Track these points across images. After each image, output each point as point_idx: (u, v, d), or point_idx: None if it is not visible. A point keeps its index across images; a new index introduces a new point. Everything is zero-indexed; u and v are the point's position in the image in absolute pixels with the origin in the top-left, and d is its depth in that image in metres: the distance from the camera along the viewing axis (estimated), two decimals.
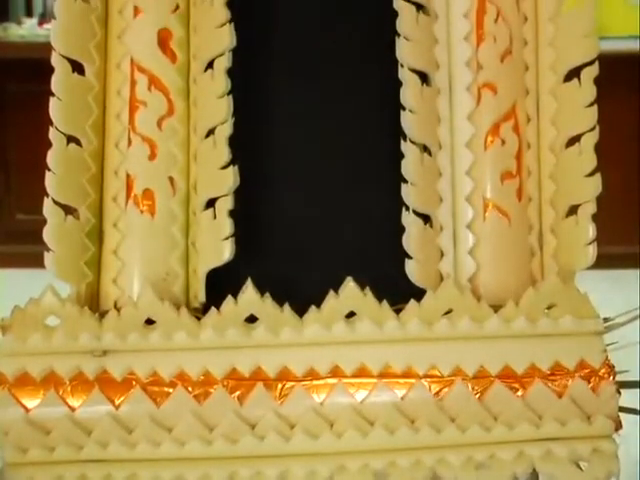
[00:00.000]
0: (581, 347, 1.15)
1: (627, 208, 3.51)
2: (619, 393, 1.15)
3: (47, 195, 1.14)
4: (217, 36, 1.17)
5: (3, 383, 1.10)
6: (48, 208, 1.14)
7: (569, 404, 1.13)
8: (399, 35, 1.19)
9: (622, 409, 1.16)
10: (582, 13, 1.21)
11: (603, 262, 1.27)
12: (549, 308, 1.15)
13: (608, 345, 1.16)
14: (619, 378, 1.16)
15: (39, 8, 4.68)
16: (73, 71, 1.17)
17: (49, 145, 1.15)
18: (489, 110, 1.20)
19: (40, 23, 3.76)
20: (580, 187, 1.18)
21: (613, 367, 1.15)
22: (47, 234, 1.13)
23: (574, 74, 1.20)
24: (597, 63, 1.19)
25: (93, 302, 1.17)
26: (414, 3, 1.20)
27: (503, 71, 1.20)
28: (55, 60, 1.16)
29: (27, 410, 1.10)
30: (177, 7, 1.20)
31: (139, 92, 1.19)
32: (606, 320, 1.18)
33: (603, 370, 1.14)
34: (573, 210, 1.19)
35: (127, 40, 1.20)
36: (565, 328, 1.14)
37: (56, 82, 1.15)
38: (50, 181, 1.14)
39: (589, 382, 1.14)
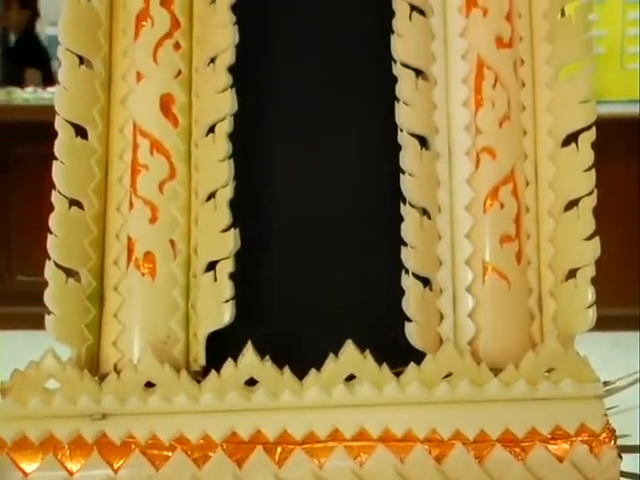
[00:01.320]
0: (582, 411, 1.14)
1: (627, 270, 3.51)
2: (620, 458, 1.14)
3: (49, 258, 1.15)
4: (219, 101, 1.19)
5: (2, 447, 1.10)
6: (49, 271, 1.15)
7: (570, 469, 1.12)
8: (398, 100, 1.20)
9: (623, 474, 1.15)
10: (579, 79, 1.22)
11: (603, 324, 1.27)
12: (549, 372, 1.15)
13: (609, 409, 1.16)
14: (620, 442, 1.15)
15: None
16: (76, 135, 1.18)
17: (51, 207, 1.16)
18: (488, 174, 1.21)
19: (44, 87, 3.80)
20: (579, 251, 1.19)
21: (614, 431, 1.14)
22: (48, 297, 1.14)
23: (572, 139, 1.22)
24: (594, 128, 1.20)
25: (93, 364, 1.17)
26: (413, 69, 1.21)
27: (502, 136, 1.21)
28: (59, 124, 1.17)
29: (25, 474, 1.10)
30: (179, 72, 1.22)
31: (141, 156, 1.20)
32: (606, 384, 1.17)
33: (604, 434, 1.14)
34: (572, 273, 1.20)
35: (130, 105, 1.21)
36: (565, 392, 1.14)
37: (59, 146, 1.17)
38: (52, 244, 1.15)
39: (590, 446, 1.13)
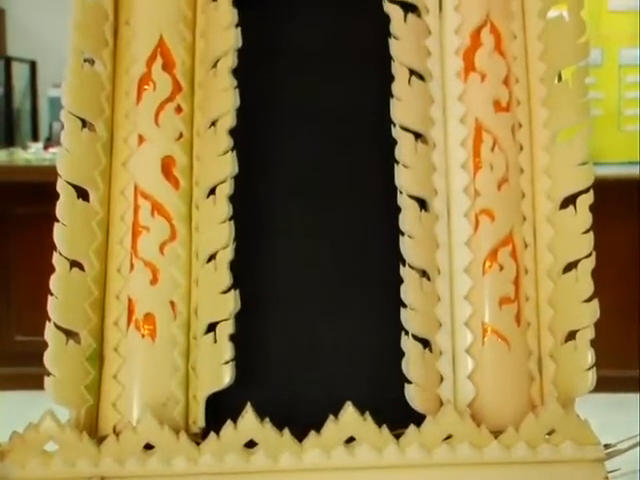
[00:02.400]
0: (582, 474, 1.14)
1: (626, 331, 3.51)
2: None
3: (49, 319, 1.15)
4: (219, 163, 1.20)
5: None
6: (50, 332, 1.15)
7: None
8: (398, 162, 1.22)
9: None
10: (577, 142, 1.24)
11: (603, 386, 1.27)
12: (549, 434, 1.15)
13: (610, 472, 1.15)
14: None
15: (45, 132, 4.77)
16: (78, 197, 1.19)
17: (51, 267, 1.16)
18: (487, 236, 1.22)
19: (46, 147, 3.82)
20: (578, 313, 1.19)
21: None
22: (48, 358, 1.14)
23: (570, 201, 1.23)
24: (592, 191, 1.21)
25: (92, 426, 1.17)
26: (412, 132, 1.23)
27: (500, 198, 1.22)
28: (60, 186, 1.18)
29: None
30: (181, 135, 1.23)
31: (142, 217, 1.21)
32: (607, 446, 1.17)
33: None
34: (572, 335, 1.20)
35: (131, 167, 1.22)
36: (566, 455, 1.13)
37: (61, 208, 1.18)
38: (53, 305, 1.15)
39: None
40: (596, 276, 1.20)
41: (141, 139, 1.22)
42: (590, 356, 1.18)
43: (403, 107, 1.23)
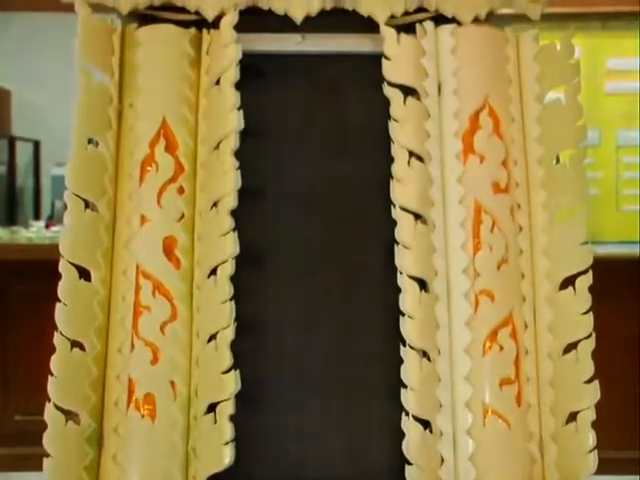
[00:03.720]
0: None
1: (628, 413, 3.48)
2: None
3: (49, 399, 1.14)
4: (221, 244, 1.21)
5: None
6: (49, 413, 1.14)
7: None
8: (398, 243, 1.22)
9: None
10: (575, 224, 1.25)
11: (604, 467, 1.26)
12: None
13: None
14: None
15: (47, 211, 4.79)
16: (80, 277, 1.19)
17: (51, 346, 1.16)
18: (487, 317, 1.22)
19: (47, 226, 3.83)
20: (579, 394, 1.19)
21: None
22: (47, 440, 1.13)
23: (569, 282, 1.23)
24: (591, 272, 1.22)
25: None
26: (412, 213, 1.24)
27: (500, 279, 1.23)
28: (62, 267, 1.19)
29: None
30: (183, 216, 1.24)
31: (143, 297, 1.21)
32: None
33: None
34: (573, 417, 1.19)
35: (133, 247, 1.23)
36: None
37: (63, 288, 1.18)
38: (53, 386, 1.15)
39: None
40: (596, 356, 1.20)
41: (143, 219, 1.23)
42: (591, 438, 1.18)
43: (403, 188, 1.24)
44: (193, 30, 1.30)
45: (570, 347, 1.21)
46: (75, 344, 1.17)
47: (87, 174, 1.23)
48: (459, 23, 1.31)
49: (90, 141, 1.25)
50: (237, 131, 1.24)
